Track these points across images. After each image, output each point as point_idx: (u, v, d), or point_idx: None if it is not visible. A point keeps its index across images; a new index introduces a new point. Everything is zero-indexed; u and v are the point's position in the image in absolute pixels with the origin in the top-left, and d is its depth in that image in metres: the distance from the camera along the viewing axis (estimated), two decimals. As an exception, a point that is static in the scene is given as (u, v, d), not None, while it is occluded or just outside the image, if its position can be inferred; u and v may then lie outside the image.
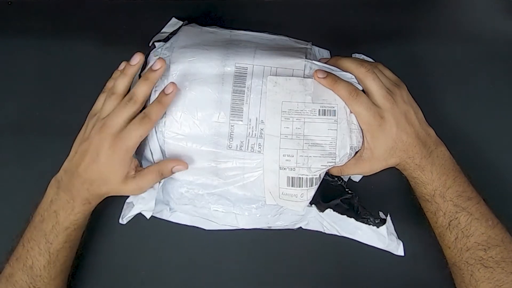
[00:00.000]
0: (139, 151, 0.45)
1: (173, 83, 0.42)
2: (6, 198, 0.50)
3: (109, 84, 0.46)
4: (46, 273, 0.41)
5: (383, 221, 0.44)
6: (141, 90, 0.42)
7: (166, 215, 0.47)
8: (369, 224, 0.44)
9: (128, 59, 0.44)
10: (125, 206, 0.45)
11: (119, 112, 0.41)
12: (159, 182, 0.44)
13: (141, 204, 0.44)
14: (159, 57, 0.42)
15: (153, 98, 0.43)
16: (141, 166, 0.44)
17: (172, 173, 0.43)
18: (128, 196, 0.45)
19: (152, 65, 0.42)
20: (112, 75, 0.47)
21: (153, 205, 0.43)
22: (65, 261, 0.43)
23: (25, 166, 0.50)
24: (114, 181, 0.41)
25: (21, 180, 0.50)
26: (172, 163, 0.42)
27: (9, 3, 0.54)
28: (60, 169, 0.43)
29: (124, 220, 0.44)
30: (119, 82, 0.43)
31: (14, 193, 0.49)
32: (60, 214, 0.41)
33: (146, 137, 0.44)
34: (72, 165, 0.42)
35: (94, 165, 0.41)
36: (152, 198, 0.44)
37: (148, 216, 0.44)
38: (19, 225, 0.44)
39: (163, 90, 0.42)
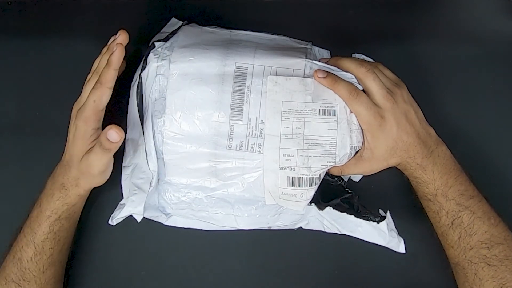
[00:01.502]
0: (133, 158, 0.45)
1: (119, 43, 0.39)
2: (6, 198, 0.49)
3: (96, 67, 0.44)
4: (33, 265, 0.41)
5: (383, 218, 0.44)
6: (100, 63, 0.43)
7: (162, 220, 0.47)
8: (369, 221, 0.44)
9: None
10: (117, 207, 0.46)
11: (84, 89, 0.43)
12: (150, 186, 0.43)
13: (130, 207, 0.44)
14: (121, 29, 0.41)
15: (151, 105, 0.43)
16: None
17: (108, 140, 0.38)
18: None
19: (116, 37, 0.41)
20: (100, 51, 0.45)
21: (142, 208, 0.43)
22: (51, 254, 0.42)
23: (25, 166, 0.50)
24: (77, 159, 0.41)
25: (21, 180, 0.50)
26: (105, 130, 0.38)
27: (9, 3, 0.54)
28: None
29: (113, 221, 0.45)
30: (104, 72, 0.40)
31: (14, 193, 0.49)
32: (43, 202, 0.42)
33: (140, 140, 0.44)
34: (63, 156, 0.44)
35: (68, 146, 0.43)
36: (142, 202, 0.43)
37: (139, 220, 0.44)
38: (19, 225, 0.44)
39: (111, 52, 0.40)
